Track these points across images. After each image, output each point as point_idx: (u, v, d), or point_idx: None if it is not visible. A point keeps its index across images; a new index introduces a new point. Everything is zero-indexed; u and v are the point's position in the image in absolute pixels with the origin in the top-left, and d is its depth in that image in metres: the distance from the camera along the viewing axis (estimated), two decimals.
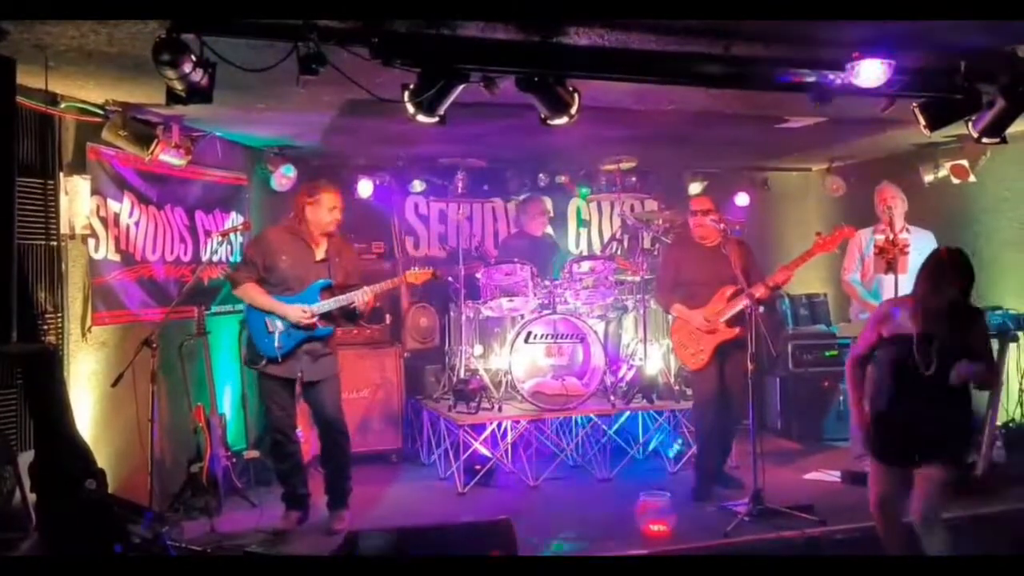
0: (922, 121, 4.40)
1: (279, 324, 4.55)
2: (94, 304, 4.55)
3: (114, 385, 4.37)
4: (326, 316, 4.63)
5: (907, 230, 5.50)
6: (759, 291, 4.86)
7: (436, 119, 3.76)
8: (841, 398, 6.60)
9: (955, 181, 6.12)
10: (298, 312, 4.52)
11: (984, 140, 4.51)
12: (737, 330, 5.00)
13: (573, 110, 3.87)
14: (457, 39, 3.52)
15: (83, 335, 4.48)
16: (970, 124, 4.47)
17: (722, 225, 5.10)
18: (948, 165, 6.12)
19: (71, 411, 3.93)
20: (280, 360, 4.54)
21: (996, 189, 6.06)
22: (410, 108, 3.70)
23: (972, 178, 6.03)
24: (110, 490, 4.03)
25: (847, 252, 5.83)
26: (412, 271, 4.86)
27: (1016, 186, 5.97)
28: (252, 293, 4.61)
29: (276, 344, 4.51)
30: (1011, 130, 4.47)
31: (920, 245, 5.43)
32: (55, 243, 4.28)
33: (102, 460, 4.06)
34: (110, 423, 4.57)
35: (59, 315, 4.30)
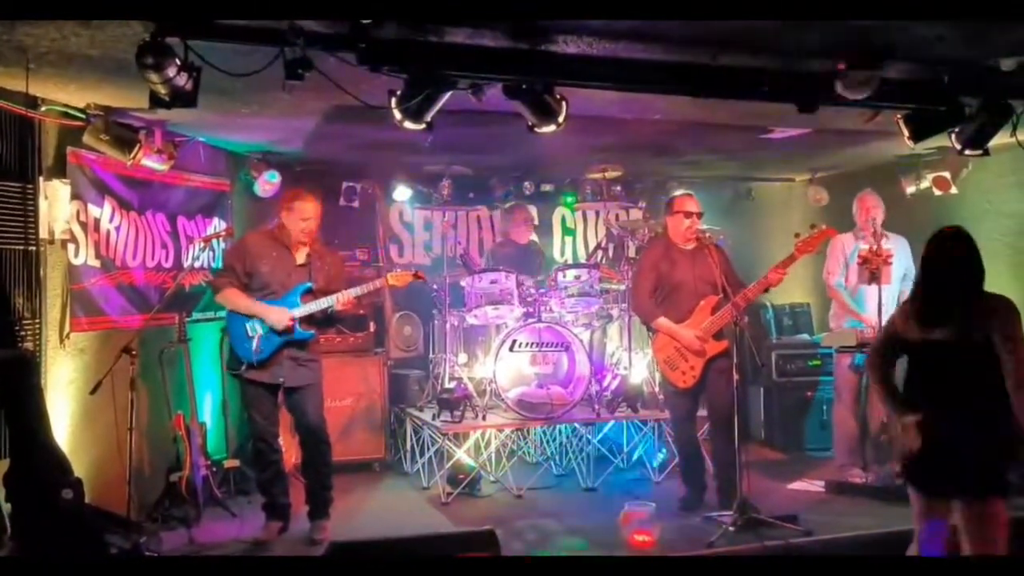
0: (905, 132, 4.43)
1: (258, 328, 4.51)
2: (73, 310, 4.48)
3: (92, 392, 4.30)
4: (307, 320, 4.59)
5: (885, 236, 5.53)
6: (743, 300, 4.83)
7: (423, 126, 3.74)
8: (824, 407, 6.62)
9: (937, 193, 6.17)
10: (276, 314, 4.48)
11: (966, 152, 4.56)
12: (725, 343, 4.94)
13: (560, 118, 3.87)
14: (445, 45, 3.51)
15: (61, 341, 4.41)
16: (953, 136, 4.51)
17: (707, 233, 5.09)
18: (930, 177, 6.16)
19: (48, 419, 3.87)
20: (258, 364, 4.50)
21: (977, 201, 6.12)
22: (397, 114, 3.68)
23: (954, 190, 6.08)
24: (87, 500, 3.96)
25: (830, 255, 5.81)
26: (393, 272, 4.86)
27: (997, 198, 6.02)
28: (233, 297, 4.56)
29: (254, 348, 4.47)
30: (993, 142, 4.52)
31: (897, 251, 5.49)
32: (34, 248, 4.21)
33: (79, 469, 4.01)
34: (88, 431, 4.50)
35: (37, 321, 4.23)
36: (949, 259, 3.20)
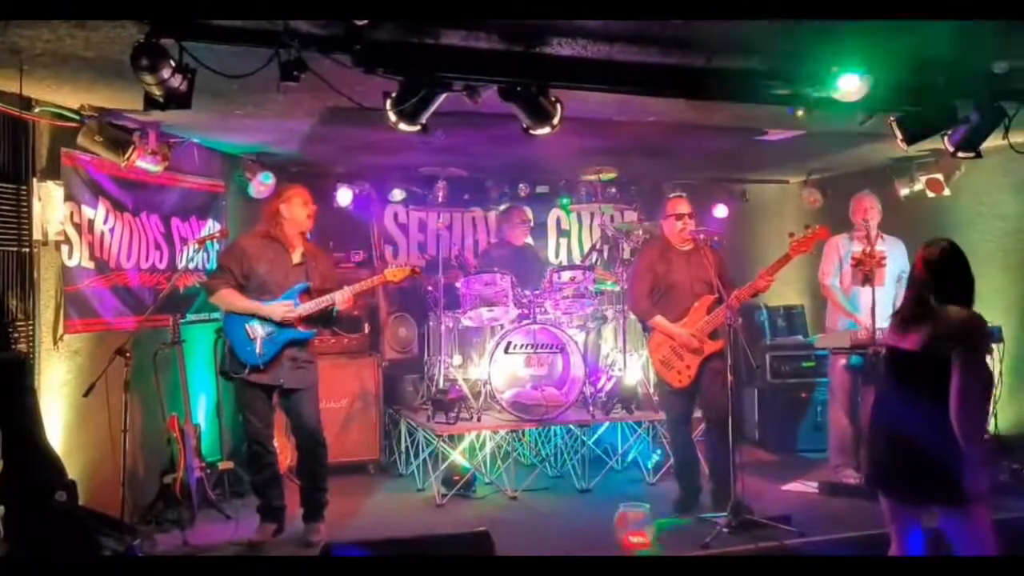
0: (899, 135, 4.44)
1: (259, 330, 4.49)
2: (66, 312, 4.47)
3: (86, 394, 4.29)
4: (307, 319, 4.59)
5: (881, 238, 5.55)
6: (735, 301, 4.84)
7: (418, 128, 3.75)
8: (819, 409, 6.64)
9: (930, 195, 6.20)
10: (281, 310, 4.48)
11: (959, 155, 4.57)
12: (721, 343, 4.95)
13: (555, 120, 3.88)
14: (440, 48, 3.52)
15: (55, 343, 4.39)
16: (946, 139, 4.53)
17: (702, 235, 5.11)
18: (923, 179, 6.20)
19: (41, 421, 3.86)
20: (263, 367, 4.49)
21: (971, 203, 6.14)
22: (392, 116, 3.68)
23: (947, 192, 6.11)
24: (81, 502, 3.95)
25: (825, 255, 5.83)
26: (391, 269, 4.82)
27: (990, 200, 6.05)
28: (230, 298, 4.54)
29: (258, 351, 4.46)
30: (985, 145, 4.54)
31: (892, 253, 5.51)
32: (27, 250, 4.20)
33: (73, 471, 4.00)
34: (82, 433, 4.48)
35: (30, 323, 4.22)
36: (934, 270, 3.20)
